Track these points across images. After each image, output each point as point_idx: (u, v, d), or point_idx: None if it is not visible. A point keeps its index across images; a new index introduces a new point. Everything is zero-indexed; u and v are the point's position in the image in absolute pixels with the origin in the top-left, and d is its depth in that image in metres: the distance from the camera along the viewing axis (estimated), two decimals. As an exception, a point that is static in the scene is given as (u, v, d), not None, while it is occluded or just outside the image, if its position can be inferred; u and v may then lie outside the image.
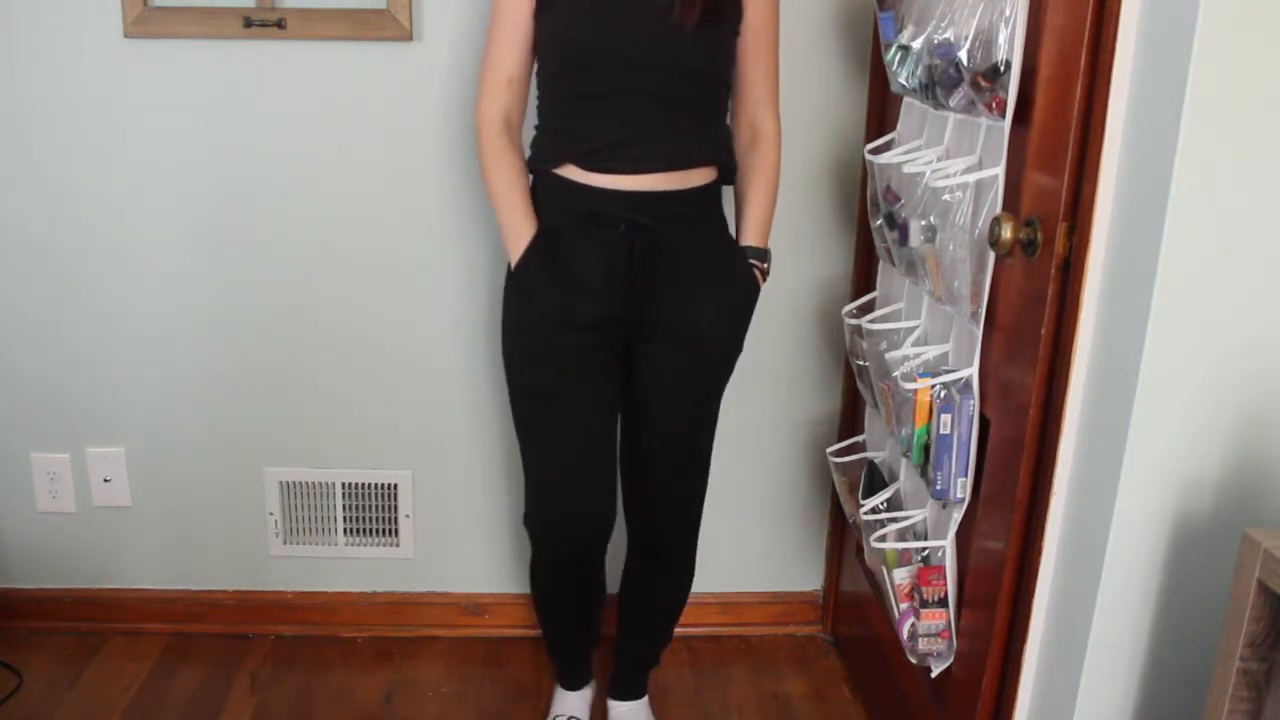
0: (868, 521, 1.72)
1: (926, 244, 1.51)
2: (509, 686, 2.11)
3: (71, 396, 2.13)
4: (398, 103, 1.97)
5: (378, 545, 2.23)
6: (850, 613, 2.18)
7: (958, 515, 1.51)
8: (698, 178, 1.63)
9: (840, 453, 1.98)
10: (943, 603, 1.56)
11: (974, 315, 1.44)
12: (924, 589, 1.56)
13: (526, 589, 2.14)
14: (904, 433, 1.59)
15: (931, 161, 1.53)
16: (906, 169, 1.54)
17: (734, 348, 1.72)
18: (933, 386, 1.48)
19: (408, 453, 2.18)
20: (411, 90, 1.96)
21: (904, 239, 1.57)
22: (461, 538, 2.23)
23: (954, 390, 1.47)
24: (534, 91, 1.67)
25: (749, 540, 2.27)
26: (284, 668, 2.16)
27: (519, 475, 2.16)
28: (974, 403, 1.45)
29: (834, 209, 2.08)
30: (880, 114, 1.92)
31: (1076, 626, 1.28)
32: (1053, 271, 1.27)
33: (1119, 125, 1.18)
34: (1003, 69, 1.30)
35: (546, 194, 1.64)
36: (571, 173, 1.60)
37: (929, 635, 1.58)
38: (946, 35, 1.40)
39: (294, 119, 1.97)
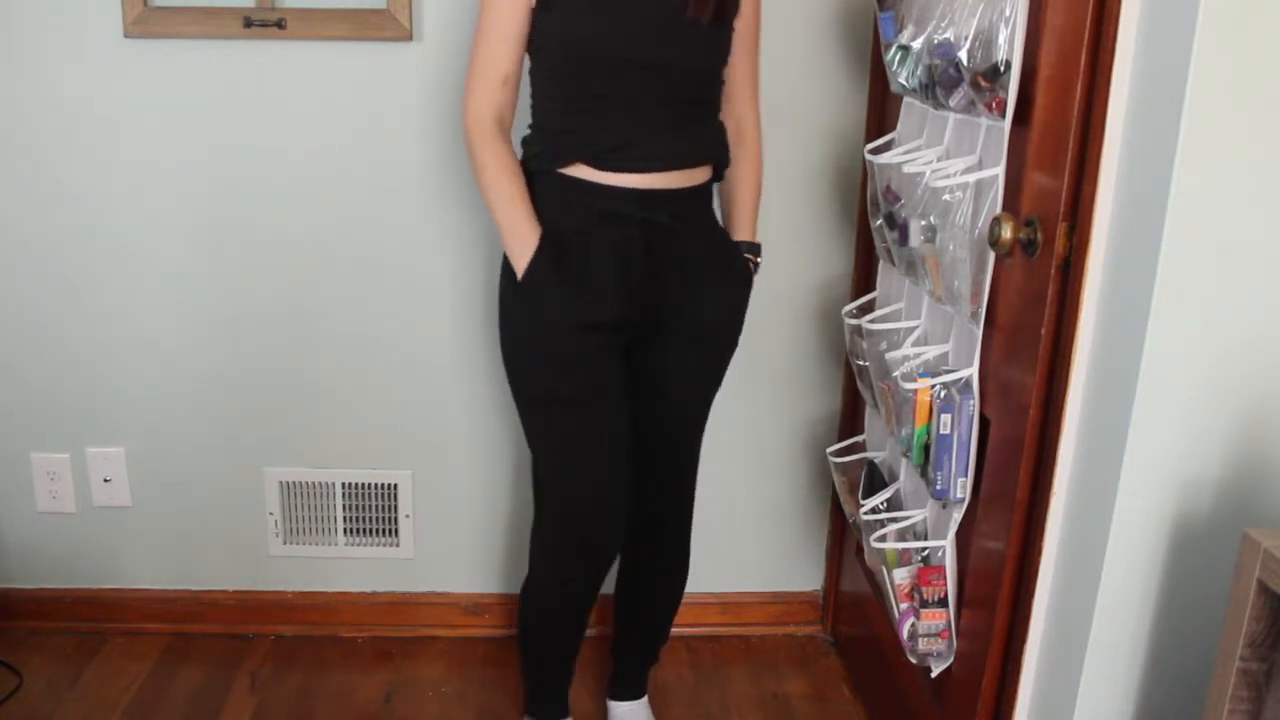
0: (868, 521, 1.72)
1: (926, 244, 1.51)
2: (509, 686, 2.11)
3: (71, 396, 2.13)
4: (397, 103, 1.96)
5: (378, 545, 2.23)
6: (850, 613, 2.18)
7: (958, 515, 1.51)
8: (699, 175, 1.63)
9: (840, 453, 1.98)
10: (943, 603, 1.56)
11: (974, 315, 1.44)
12: (924, 589, 1.56)
13: (526, 589, 2.14)
14: (904, 433, 1.59)
15: (931, 161, 1.53)
16: (906, 169, 1.54)
17: (735, 342, 1.73)
18: (933, 386, 1.48)
19: (408, 453, 2.18)
20: (411, 90, 1.96)
21: (904, 239, 1.57)
22: (461, 538, 2.23)
23: (954, 390, 1.47)
24: (525, 91, 1.65)
25: (749, 540, 2.27)
26: (284, 668, 2.16)
27: (519, 475, 2.18)
28: (974, 403, 1.45)
29: (834, 209, 2.08)
30: (880, 114, 1.92)
31: (1076, 626, 1.28)
32: (1053, 271, 1.27)
33: (1119, 125, 1.18)
34: (1003, 69, 1.30)
35: (550, 194, 1.60)
36: (583, 172, 1.57)
37: (929, 635, 1.58)
38: (946, 35, 1.40)
39: (294, 119, 1.97)
